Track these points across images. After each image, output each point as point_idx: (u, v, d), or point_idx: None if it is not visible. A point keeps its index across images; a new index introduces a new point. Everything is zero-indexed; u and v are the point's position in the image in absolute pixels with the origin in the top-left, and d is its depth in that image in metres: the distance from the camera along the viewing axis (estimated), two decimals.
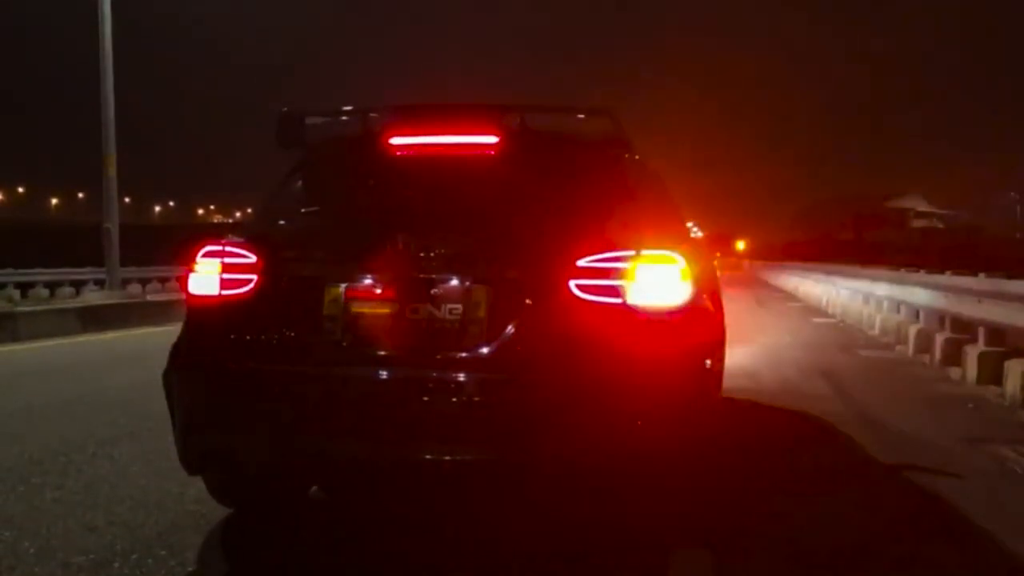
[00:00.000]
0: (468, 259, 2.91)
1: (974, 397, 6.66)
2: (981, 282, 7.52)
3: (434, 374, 2.81)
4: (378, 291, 2.95)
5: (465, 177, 3.30)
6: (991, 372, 6.88)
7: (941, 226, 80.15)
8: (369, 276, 2.95)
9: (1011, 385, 6.30)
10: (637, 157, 3.62)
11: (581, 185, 3.32)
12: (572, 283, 2.82)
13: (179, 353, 3.19)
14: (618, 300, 2.80)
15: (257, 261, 3.06)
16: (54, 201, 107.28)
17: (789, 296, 23.20)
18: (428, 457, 2.87)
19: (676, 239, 3.13)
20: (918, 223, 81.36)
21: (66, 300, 20.80)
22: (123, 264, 16.97)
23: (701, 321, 3.03)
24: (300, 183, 3.65)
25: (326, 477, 3.51)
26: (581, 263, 2.82)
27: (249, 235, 3.24)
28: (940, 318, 8.77)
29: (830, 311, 16.24)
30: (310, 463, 3.09)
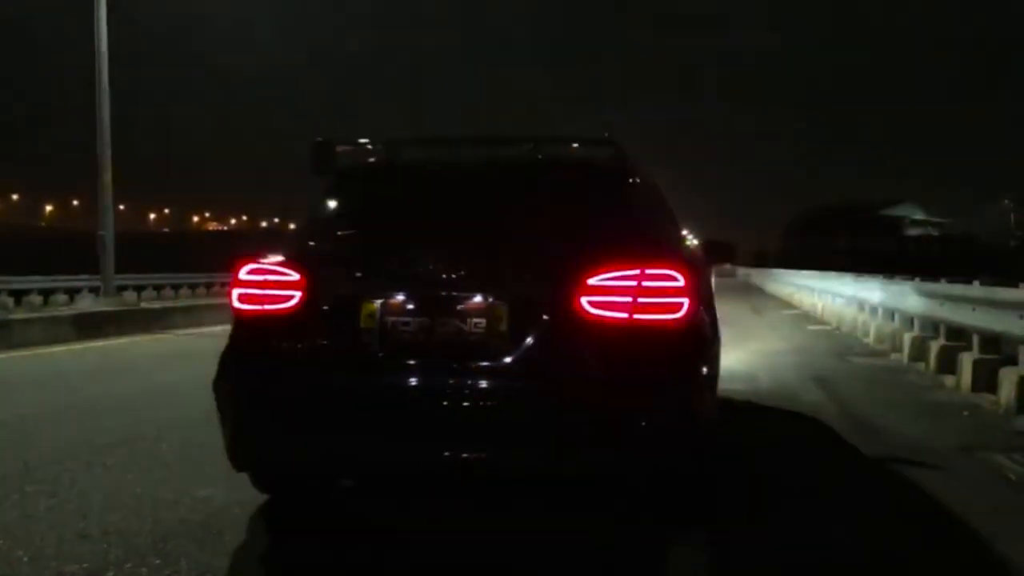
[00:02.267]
0: (491, 278, 3.20)
1: (969, 404, 6.67)
2: (975, 290, 7.54)
3: (462, 381, 3.10)
4: (410, 307, 3.22)
5: (485, 202, 3.67)
6: (986, 380, 6.90)
7: (936, 234, 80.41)
8: (402, 293, 3.23)
9: (1005, 393, 6.32)
10: (639, 180, 3.84)
11: (590, 208, 3.61)
12: (584, 299, 3.08)
13: (228, 363, 3.43)
14: (625, 315, 3.07)
15: (300, 279, 3.31)
16: (49, 208, 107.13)
17: (784, 303, 23.25)
18: (457, 456, 3.15)
19: (676, 257, 3.38)
20: (913, 231, 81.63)
21: (60, 307, 20.74)
22: (119, 271, 16.93)
23: (698, 330, 3.31)
24: (332, 206, 3.91)
25: (361, 474, 3.89)
26: (591, 282, 3.08)
27: (290, 254, 3.47)
28: (935, 326, 8.80)
29: (825, 318, 16.27)
30: (347, 461, 3.39)
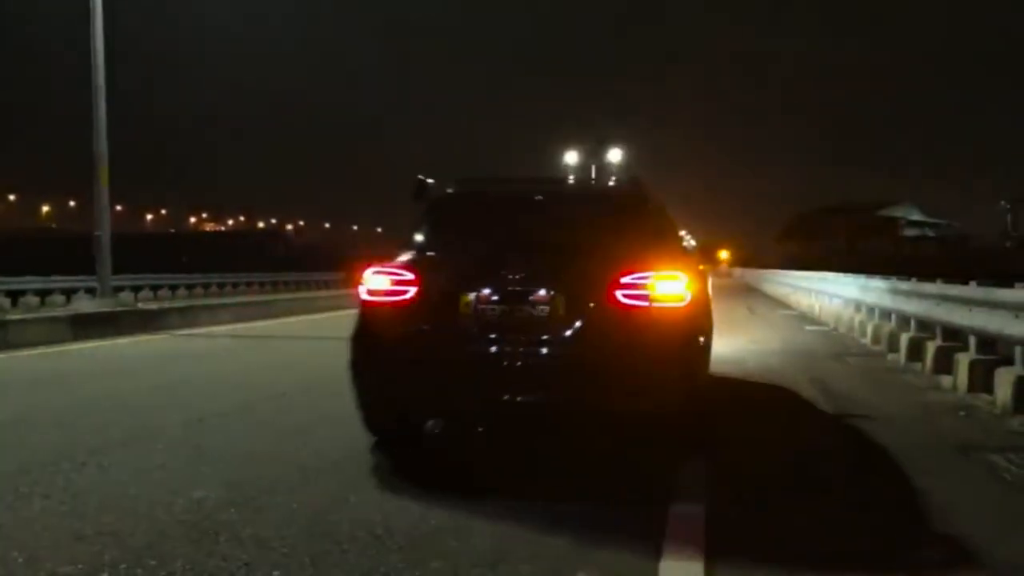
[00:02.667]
0: (552, 277, 4.45)
1: (965, 405, 6.68)
2: (972, 290, 7.54)
3: (531, 349, 4.40)
4: (495, 298, 4.47)
5: (545, 222, 5.12)
6: (982, 380, 6.91)
7: (932, 235, 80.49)
8: (489, 288, 4.47)
9: (1002, 393, 6.32)
10: (652, 204, 5.22)
11: (620, 227, 4.91)
12: (618, 293, 4.35)
13: (359, 337, 4.71)
14: (645, 303, 4.34)
15: (414, 279, 4.56)
16: (45, 209, 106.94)
17: (781, 304, 23.27)
18: (527, 399, 4.42)
19: (680, 262, 4.68)
20: (910, 232, 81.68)
21: (57, 308, 20.72)
22: (116, 272, 16.89)
23: (695, 312, 4.58)
24: (430, 223, 5.17)
25: (457, 414, 5.10)
26: (623, 280, 4.35)
27: (405, 261, 4.75)
28: (932, 326, 8.81)
29: (822, 319, 16.28)
30: (448, 404, 4.69)
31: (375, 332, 4.67)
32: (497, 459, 5.01)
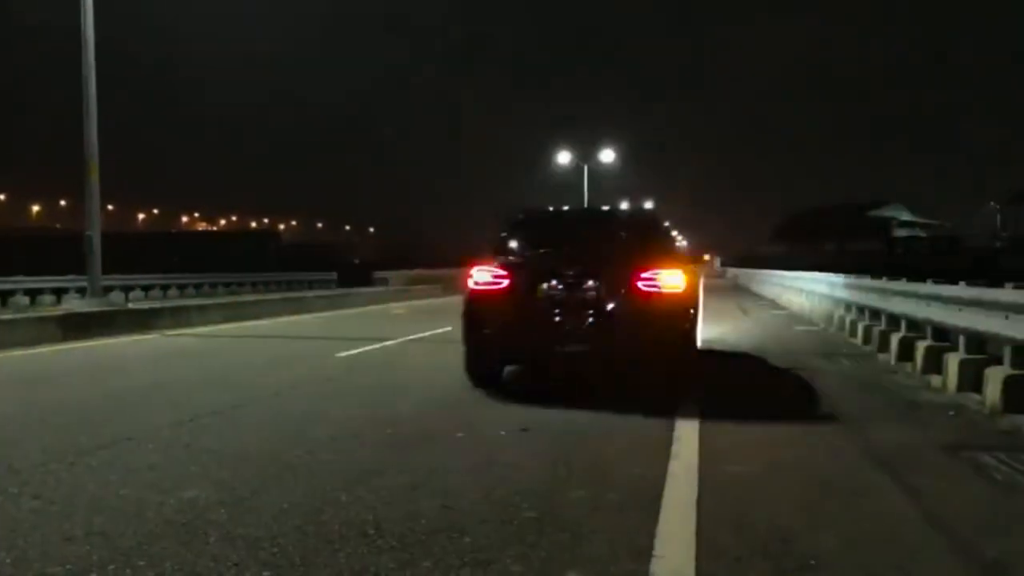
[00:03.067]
0: (596, 272, 6.79)
1: (954, 404, 6.71)
2: (961, 290, 7.58)
3: (582, 318, 6.68)
4: (559, 287, 6.80)
5: (592, 236, 7.82)
6: (971, 379, 6.94)
7: (923, 235, 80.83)
8: (555, 280, 6.81)
9: (991, 392, 6.35)
10: (659, 222, 8.57)
11: (640, 241, 7.57)
12: (638, 283, 6.72)
13: (468, 312, 7.12)
14: (656, 288, 6.68)
15: (507, 274, 6.95)
16: (35, 208, 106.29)
17: (773, 304, 23.32)
18: (580, 350, 6.78)
19: (679, 264, 7.08)
20: (901, 232, 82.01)
21: (47, 308, 20.61)
22: (106, 272, 16.81)
23: (689, 295, 6.99)
24: (513, 235, 7.83)
25: (534, 361, 7.67)
26: (642, 275, 6.71)
27: (500, 261, 7.15)
28: (921, 326, 8.84)
29: (813, 319, 16.34)
30: (527, 355, 7.21)
31: (480, 308, 7.09)
32: (551, 390, 7.53)
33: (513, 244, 7.71)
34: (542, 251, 7.58)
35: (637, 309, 6.67)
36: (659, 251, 7.31)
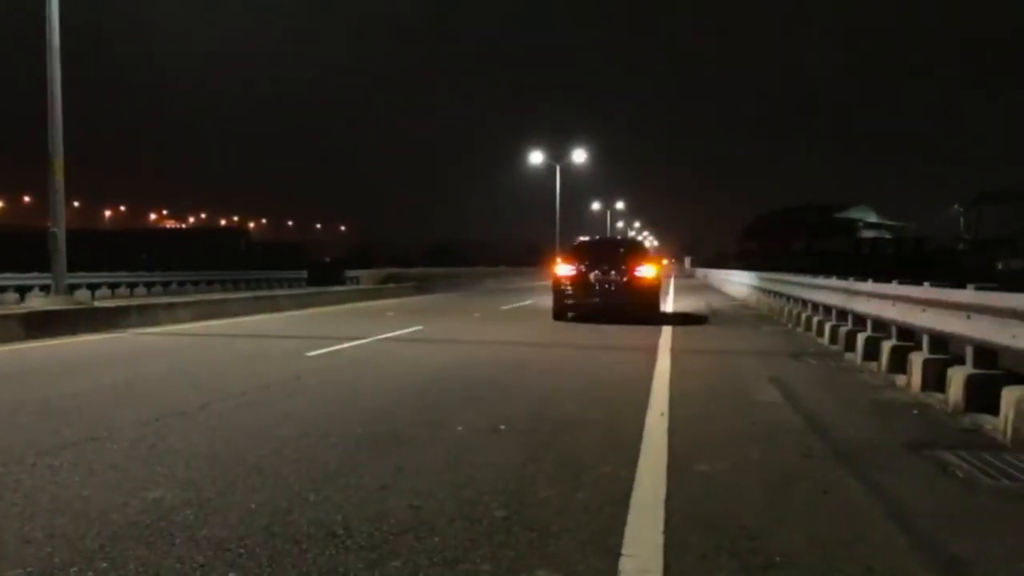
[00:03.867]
0: (617, 269, 16.03)
1: (918, 403, 6.83)
2: (925, 291, 7.70)
3: (611, 290, 15.81)
4: (599, 275, 15.95)
5: (611, 251, 17.60)
6: (935, 379, 7.05)
7: (889, 236, 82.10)
8: (599, 271, 16.00)
9: (954, 392, 6.47)
10: (645, 246, 22.75)
11: (633, 253, 17.17)
12: (636, 273, 15.93)
13: (555, 286, 16.55)
14: (643, 276, 15.94)
15: (576, 267, 16.21)
16: None
17: (743, 305, 23.56)
18: (610, 304, 15.70)
19: (654, 264, 16.80)
20: (867, 233, 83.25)
21: (9, 306, 20.20)
22: (72, 269, 16.52)
23: (656, 278, 16.43)
24: (576, 250, 17.67)
25: (584, 311, 16.01)
26: (636, 269, 16.02)
27: (573, 262, 16.42)
28: (887, 326, 8.98)
29: (782, 320, 16.54)
30: (582, 308, 16.09)
31: (561, 284, 16.14)
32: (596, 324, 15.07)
33: (578, 253, 17.06)
34: (588, 258, 16.40)
35: (631, 284, 15.65)
36: (641, 258, 16.53)
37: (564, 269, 16.06)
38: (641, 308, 15.39)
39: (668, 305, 21.26)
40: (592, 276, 15.72)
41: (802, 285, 15.21)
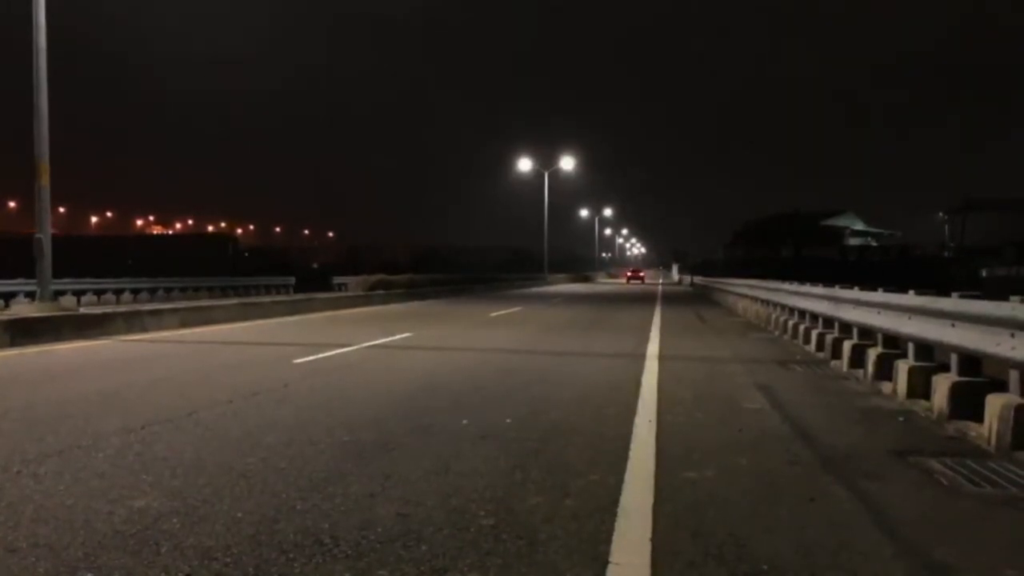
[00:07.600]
0: (639, 275, 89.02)
1: (904, 411, 6.87)
2: (910, 299, 7.75)
3: (639, 281, 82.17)
4: (630, 275, 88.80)
5: (639, 268, 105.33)
6: (920, 386, 7.10)
7: (875, 244, 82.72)
8: (631, 273, 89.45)
9: (939, 399, 6.51)
10: (644, 267, 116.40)
11: (643, 267, 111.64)
12: (641, 274, 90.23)
13: (629, 280, 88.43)
14: (643, 275, 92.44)
15: (629, 273, 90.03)
16: None
17: (729, 312, 23.65)
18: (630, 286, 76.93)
19: (644, 271, 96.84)
20: (854, 241, 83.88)
21: None
22: (57, 276, 16.41)
23: (649, 276, 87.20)
24: (625, 268, 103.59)
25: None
26: (640, 273, 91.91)
27: (631, 272, 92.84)
28: (873, 334, 9.03)
29: (769, 327, 16.60)
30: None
31: (626, 279, 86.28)
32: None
33: (628, 270, 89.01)
34: (631, 270, 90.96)
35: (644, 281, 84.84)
36: (644, 269, 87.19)
37: (624, 276, 48.56)
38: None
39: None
40: (631, 278, 72.80)
41: (789, 292, 15.28)
